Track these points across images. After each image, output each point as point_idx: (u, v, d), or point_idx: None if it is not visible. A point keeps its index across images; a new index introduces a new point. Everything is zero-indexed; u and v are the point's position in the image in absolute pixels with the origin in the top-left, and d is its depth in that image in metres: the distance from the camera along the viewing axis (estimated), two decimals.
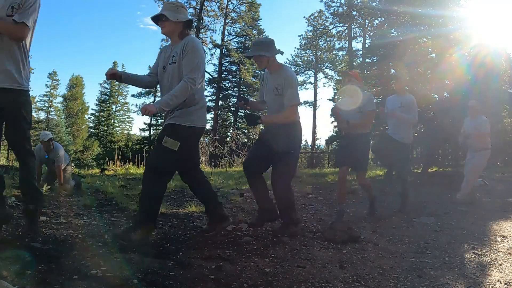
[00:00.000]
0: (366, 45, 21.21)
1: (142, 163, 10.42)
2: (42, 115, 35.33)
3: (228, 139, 19.21)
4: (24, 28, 2.42)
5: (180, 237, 2.97)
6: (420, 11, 10.50)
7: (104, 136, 35.68)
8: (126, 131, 37.92)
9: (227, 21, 25.38)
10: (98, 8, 52.43)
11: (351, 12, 16.17)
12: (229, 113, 29.49)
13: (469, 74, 10.08)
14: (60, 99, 37.00)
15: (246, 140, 21.74)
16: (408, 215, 4.42)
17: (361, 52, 22.65)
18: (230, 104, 28.43)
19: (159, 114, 34.16)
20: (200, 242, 2.84)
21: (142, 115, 2.77)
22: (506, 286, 2.26)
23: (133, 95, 38.91)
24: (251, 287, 2.07)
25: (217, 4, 24.21)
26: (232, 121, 29.19)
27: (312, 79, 31.73)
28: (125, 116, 37.97)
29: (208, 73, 26.32)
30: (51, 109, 35.27)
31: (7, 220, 2.69)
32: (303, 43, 30.12)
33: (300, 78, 32.12)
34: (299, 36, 32.99)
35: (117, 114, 37.39)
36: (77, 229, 3.01)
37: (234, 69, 27.24)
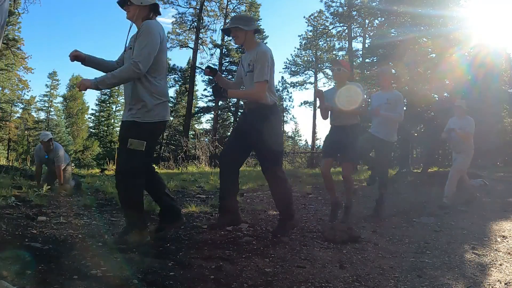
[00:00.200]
0: (366, 45, 21.20)
1: None
2: (42, 115, 35.39)
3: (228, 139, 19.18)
4: None
5: (180, 237, 2.96)
6: (420, 11, 10.50)
7: (104, 136, 35.70)
8: None
9: (227, 21, 25.35)
10: (98, 8, 52.48)
11: (351, 12, 16.17)
12: (229, 113, 29.52)
13: (469, 74, 10.10)
14: (60, 99, 37.07)
15: None
16: (408, 215, 4.42)
17: (361, 52, 22.65)
18: (230, 104, 28.44)
19: None
20: (200, 242, 2.84)
21: (80, 90, 2.59)
22: (506, 286, 2.26)
23: None
24: (251, 287, 2.07)
25: (217, 4, 24.20)
26: (232, 121, 29.19)
27: (312, 79, 31.76)
28: None
29: None
30: (51, 109, 35.28)
31: None
32: (303, 43, 30.14)
33: (300, 78, 32.12)
34: (299, 36, 33.00)
35: (117, 114, 37.39)
36: (77, 229, 3.01)
37: (234, 69, 27.20)
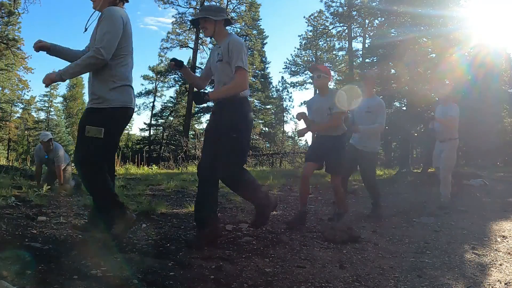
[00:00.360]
0: (366, 45, 21.22)
1: (142, 163, 10.43)
2: (42, 115, 35.42)
3: None
4: None
5: (180, 237, 2.97)
6: (420, 11, 10.50)
7: None
8: (126, 131, 37.93)
9: None
10: None
11: (351, 12, 16.18)
12: None
13: (469, 74, 10.10)
14: (60, 99, 37.10)
15: None
16: (408, 215, 4.42)
17: (361, 52, 22.67)
18: None
19: (158, 114, 33.95)
20: None
21: (46, 86, 2.51)
22: (506, 286, 2.26)
23: None
24: (251, 287, 2.07)
25: (217, 4, 24.20)
26: None
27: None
28: None
29: None
30: (51, 109, 35.32)
31: None
32: (303, 43, 30.17)
33: (300, 78, 32.13)
34: (299, 36, 33.04)
35: None
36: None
37: None
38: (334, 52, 28.54)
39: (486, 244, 3.26)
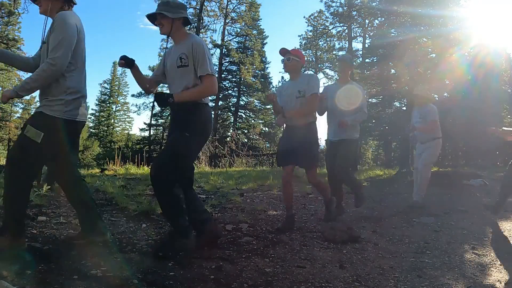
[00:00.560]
0: (366, 45, 21.21)
1: (142, 163, 10.43)
2: None
3: (228, 139, 19.22)
4: None
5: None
6: (420, 11, 10.50)
7: (104, 136, 35.71)
8: (126, 131, 37.99)
9: (227, 21, 25.40)
10: (98, 8, 52.48)
11: (351, 12, 16.18)
12: (229, 113, 29.52)
13: (469, 74, 10.10)
14: None
15: (246, 140, 21.76)
16: (408, 215, 4.41)
17: (361, 52, 22.65)
18: (230, 104, 28.46)
19: (158, 114, 34.04)
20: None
21: (3, 103, 2.47)
22: (506, 286, 2.27)
23: (133, 95, 39.14)
24: (251, 287, 2.07)
25: (217, 4, 24.22)
26: (232, 121, 29.21)
27: None
28: (125, 116, 38.04)
29: None
30: None
31: None
32: (303, 43, 30.11)
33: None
34: (299, 36, 32.94)
35: (117, 114, 37.43)
36: (77, 229, 3.01)
37: (234, 69, 27.28)
38: (334, 52, 28.48)
39: (486, 244, 3.26)
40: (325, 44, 28.37)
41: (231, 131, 24.54)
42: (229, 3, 25.04)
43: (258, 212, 4.21)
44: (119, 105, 37.43)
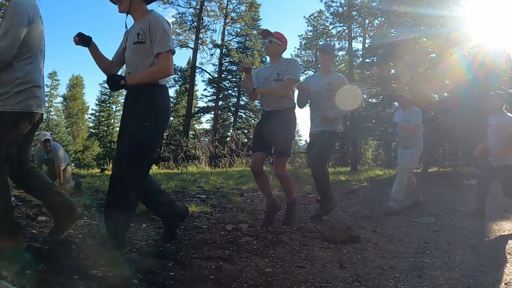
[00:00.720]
0: (366, 45, 21.22)
1: None
2: None
3: (228, 139, 19.22)
4: None
5: (180, 237, 2.96)
6: (420, 11, 10.51)
7: (104, 136, 35.70)
8: None
9: (227, 21, 25.37)
10: (98, 8, 52.50)
11: (351, 12, 16.15)
12: (229, 113, 29.53)
13: (469, 74, 10.09)
14: (60, 99, 37.07)
15: (246, 140, 21.74)
16: (408, 215, 4.42)
17: (361, 52, 22.65)
18: (230, 104, 28.44)
19: None
20: (200, 242, 2.84)
21: None
22: (506, 286, 2.26)
23: None
24: (251, 287, 2.07)
25: (217, 4, 24.19)
26: (232, 121, 29.21)
27: None
28: None
29: (208, 73, 26.36)
30: (51, 109, 35.28)
31: None
32: (303, 43, 30.11)
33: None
34: (299, 36, 32.90)
35: (117, 114, 37.41)
36: (77, 229, 3.01)
37: (234, 69, 27.24)
38: (334, 52, 28.52)
39: (486, 244, 3.26)
40: None
41: (231, 131, 24.51)
42: (229, 3, 25.02)
43: (258, 212, 4.21)
44: (119, 105, 37.42)
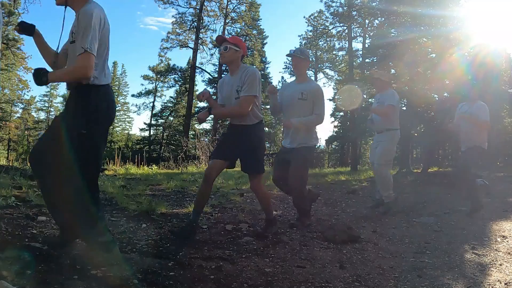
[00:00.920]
0: (366, 45, 21.23)
1: (142, 163, 10.44)
2: (42, 115, 35.45)
3: None
4: None
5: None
6: (420, 11, 10.51)
7: None
8: (126, 131, 38.04)
9: (227, 21, 25.39)
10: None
11: (351, 12, 16.16)
12: None
13: (469, 74, 10.09)
14: (60, 99, 37.06)
15: None
16: (408, 215, 4.42)
17: (361, 52, 22.65)
18: None
19: (158, 114, 33.89)
20: (200, 242, 2.84)
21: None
22: (506, 286, 2.26)
23: (133, 95, 39.11)
24: (251, 287, 2.07)
25: (217, 4, 24.21)
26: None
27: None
28: (125, 116, 38.12)
29: (208, 73, 26.37)
30: (51, 109, 35.32)
31: None
32: (303, 43, 30.13)
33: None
34: (299, 36, 32.99)
35: (117, 114, 37.46)
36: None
37: None
38: (334, 52, 28.49)
39: (486, 244, 3.26)
40: (325, 44, 28.35)
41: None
42: (229, 3, 25.05)
43: (258, 212, 4.21)
44: (119, 105, 37.45)
